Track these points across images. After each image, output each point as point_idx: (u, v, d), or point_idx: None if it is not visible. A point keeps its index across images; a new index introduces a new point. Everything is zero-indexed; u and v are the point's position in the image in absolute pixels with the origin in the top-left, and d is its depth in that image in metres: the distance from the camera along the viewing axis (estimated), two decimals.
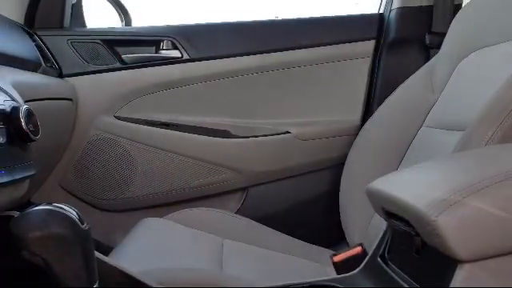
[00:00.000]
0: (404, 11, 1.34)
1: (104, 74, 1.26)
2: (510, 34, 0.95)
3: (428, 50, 1.33)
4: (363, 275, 0.66)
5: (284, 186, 1.35)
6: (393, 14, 1.36)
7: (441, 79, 1.13)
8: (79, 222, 0.48)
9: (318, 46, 1.34)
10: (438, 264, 0.50)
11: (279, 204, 1.35)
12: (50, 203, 0.50)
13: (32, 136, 0.62)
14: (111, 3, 1.45)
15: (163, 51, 1.30)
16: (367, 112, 1.36)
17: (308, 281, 0.65)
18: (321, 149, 1.34)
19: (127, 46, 1.29)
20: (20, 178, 0.59)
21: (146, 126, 1.28)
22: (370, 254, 0.66)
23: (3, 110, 0.59)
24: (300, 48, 1.33)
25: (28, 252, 0.46)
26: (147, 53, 1.29)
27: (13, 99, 0.65)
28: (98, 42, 1.26)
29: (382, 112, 1.26)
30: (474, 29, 1.09)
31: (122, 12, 1.47)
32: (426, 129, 1.11)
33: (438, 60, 1.18)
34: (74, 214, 0.48)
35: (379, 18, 1.39)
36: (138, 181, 1.29)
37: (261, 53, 1.32)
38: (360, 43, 1.36)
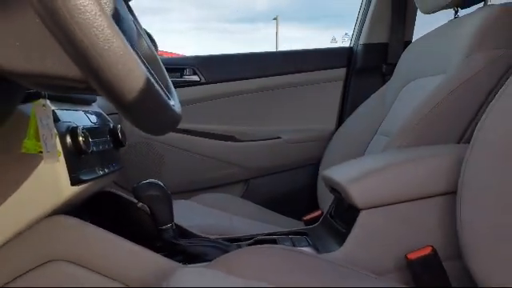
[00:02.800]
0: (367, 46, 1.71)
1: None
2: (439, 69, 1.19)
3: (384, 77, 1.68)
4: (320, 226, 1.06)
5: (276, 178, 1.72)
6: (359, 48, 1.73)
7: (390, 99, 1.44)
8: (166, 189, 0.90)
9: (303, 71, 1.71)
10: (353, 214, 0.92)
11: (272, 191, 1.71)
12: (145, 179, 0.92)
13: (124, 143, 1.02)
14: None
15: (186, 76, 1.68)
16: (340, 122, 1.71)
17: (287, 230, 1.06)
18: (304, 150, 1.71)
19: None
20: (119, 168, 1.00)
21: (173, 133, 1.62)
22: (324, 214, 1.08)
23: (109, 128, 1.00)
24: (288, 74, 1.70)
25: (141, 203, 0.88)
26: (173, 77, 1.65)
27: (109, 120, 1.06)
28: None
29: (349, 122, 1.62)
30: (414, 63, 1.37)
31: (152, 42, 1.86)
32: (378, 136, 1.45)
33: (389, 85, 1.49)
34: (162, 184, 0.91)
35: (349, 51, 1.75)
36: (167, 173, 1.64)
37: (259, 77, 1.69)
38: (335, 70, 1.73)
